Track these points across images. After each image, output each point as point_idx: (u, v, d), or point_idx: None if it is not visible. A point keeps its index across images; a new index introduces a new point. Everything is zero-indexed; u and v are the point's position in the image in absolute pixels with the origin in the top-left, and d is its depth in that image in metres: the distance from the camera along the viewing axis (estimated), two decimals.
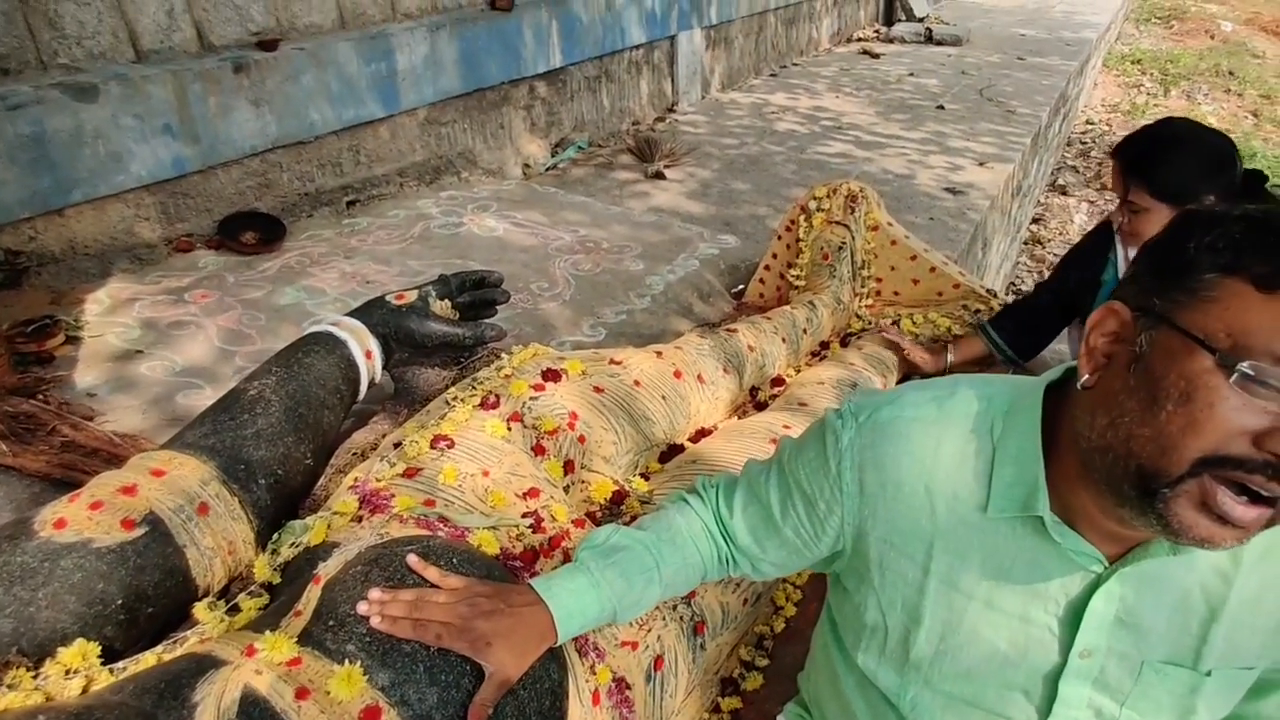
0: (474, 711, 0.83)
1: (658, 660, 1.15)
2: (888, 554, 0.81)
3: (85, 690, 0.79)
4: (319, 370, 1.26)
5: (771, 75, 5.28)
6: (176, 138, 2.15)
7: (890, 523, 0.80)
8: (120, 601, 0.88)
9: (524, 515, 1.13)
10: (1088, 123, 7.13)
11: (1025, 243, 4.91)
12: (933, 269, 2.20)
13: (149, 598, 0.91)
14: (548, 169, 3.39)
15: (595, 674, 1.06)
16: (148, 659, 0.86)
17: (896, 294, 2.26)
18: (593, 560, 0.93)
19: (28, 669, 0.76)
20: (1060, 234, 5.02)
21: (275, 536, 1.07)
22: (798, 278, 2.23)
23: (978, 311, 2.11)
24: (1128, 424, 0.62)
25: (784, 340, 1.95)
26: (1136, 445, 0.61)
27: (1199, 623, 0.73)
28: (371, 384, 1.43)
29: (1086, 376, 0.67)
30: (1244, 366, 0.56)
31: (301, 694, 0.78)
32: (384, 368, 1.47)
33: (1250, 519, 0.59)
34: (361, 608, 0.87)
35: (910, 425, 0.79)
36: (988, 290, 2.17)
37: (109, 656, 0.85)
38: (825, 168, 3.52)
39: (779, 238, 2.32)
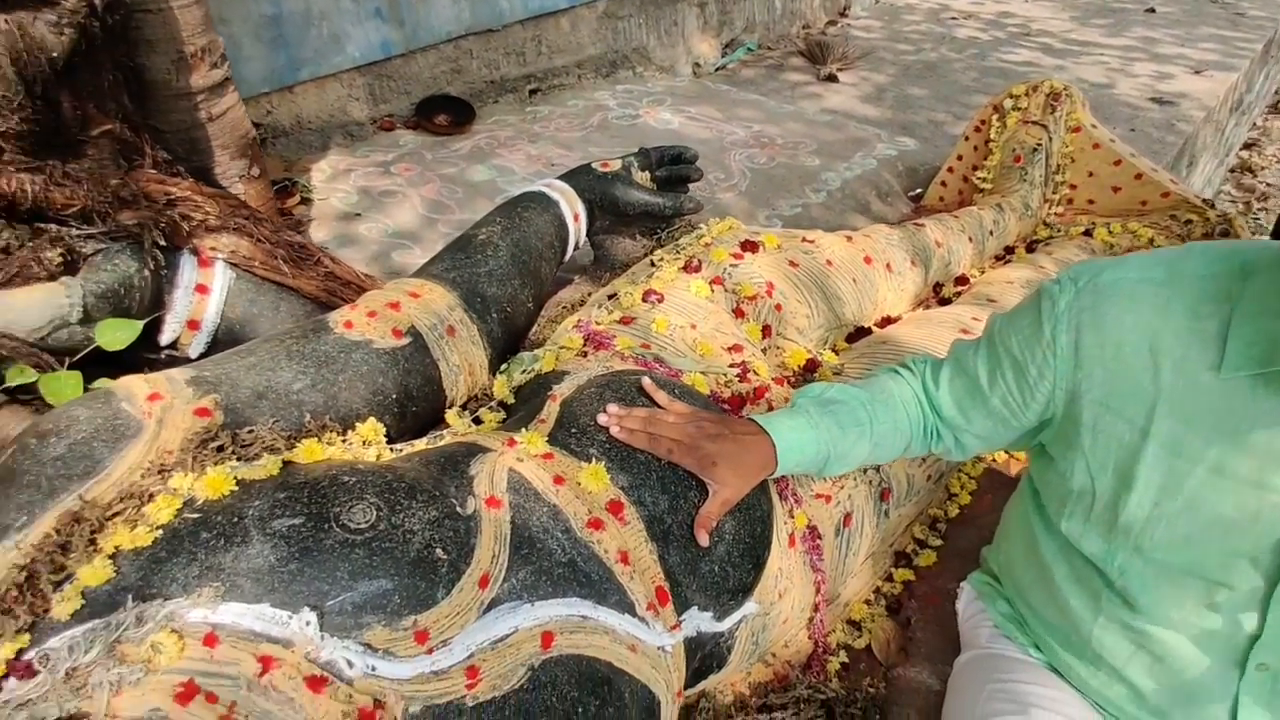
0: (701, 520, 0.91)
1: (847, 517, 1.20)
2: (1103, 417, 0.79)
3: (378, 459, 0.92)
4: (536, 224, 1.35)
5: None
6: (386, 21, 2.28)
7: (1108, 385, 0.78)
8: (394, 396, 1.00)
9: (730, 366, 1.19)
10: None
11: (1232, 170, 4.43)
12: (1139, 175, 2.05)
13: (414, 398, 1.04)
14: (717, 69, 3.35)
15: (793, 518, 1.12)
16: (419, 444, 0.98)
17: (1091, 202, 2.13)
18: (811, 405, 0.98)
19: (338, 434, 0.90)
20: (1277, 161, 4.48)
21: (505, 365, 1.18)
22: (984, 180, 2.14)
23: (1188, 222, 1.96)
24: None
25: (970, 240, 1.89)
26: None
27: None
28: (576, 247, 1.51)
29: None
30: None
31: (558, 480, 0.88)
32: (586, 234, 1.55)
33: None
34: (601, 419, 0.96)
35: (1136, 286, 0.77)
36: (1204, 200, 2.00)
37: (387, 441, 0.99)
38: (1010, 75, 3.30)
39: (966, 139, 2.22)
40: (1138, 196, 2.06)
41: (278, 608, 0.70)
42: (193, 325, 1.16)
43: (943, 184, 2.29)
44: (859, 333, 1.55)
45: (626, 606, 0.83)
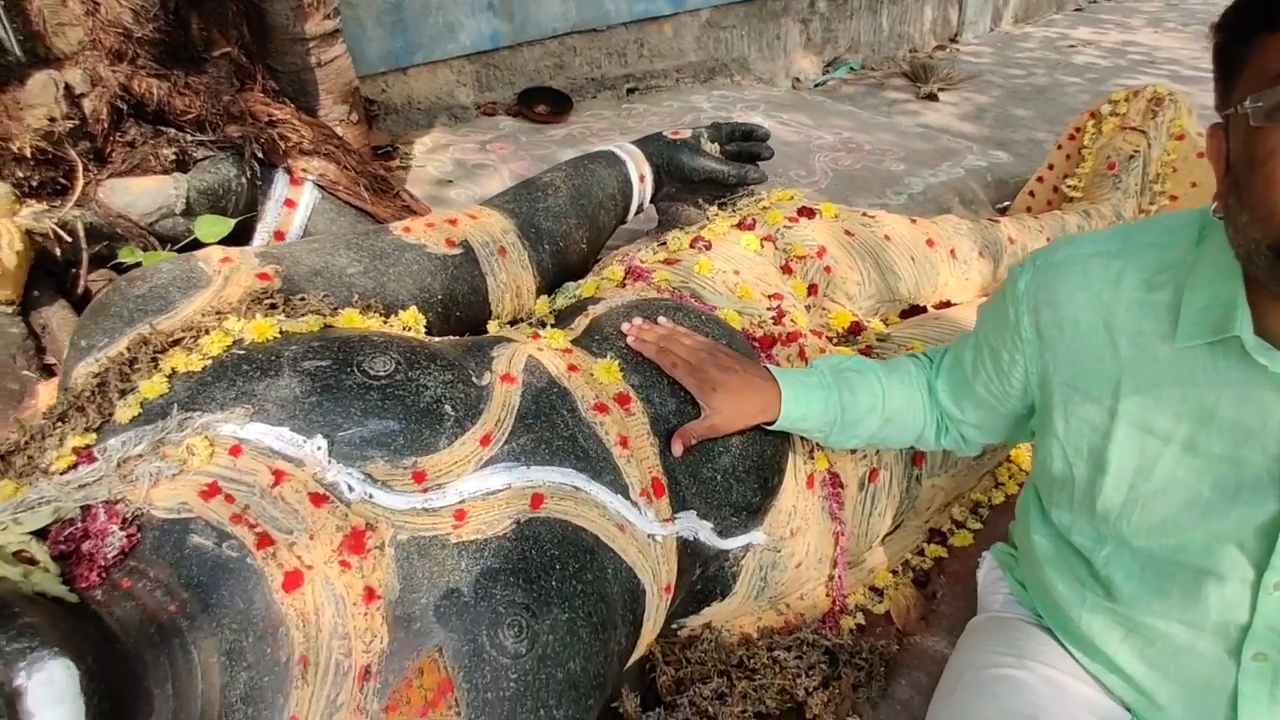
0: (681, 431, 0.93)
1: (873, 473, 1.19)
2: (1071, 398, 0.77)
3: None
4: (600, 175, 1.42)
5: (1076, 10, 4.78)
6: (497, 15, 2.45)
7: (1072, 364, 0.77)
8: (440, 297, 1.08)
9: (767, 310, 1.21)
10: None
11: None
12: None
13: (459, 303, 1.11)
14: (816, 85, 3.39)
15: (813, 459, 1.13)
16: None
17: None
18: (826, 368, 0.99)
19: (380, 315, 0.99)
20: None
21: (551, 294, 1.25)
22: (1074, 188, 2.07)
23: None
24: (1243, 220, 0.59)
25: (1049, 241, 1.84)
26: (1254, 230, 0.58)
27: None
28: (640, 209, 1.57)
29: (1215, 205, 0.64)
30: (1248, 104, 0.56)
31: (572, 369, 0.93)
32: (651, 199, 1.61)
33: None
34: (624, 327, 1.01)
35: (1088, 261, 0.75)
36: None
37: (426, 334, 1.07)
38: None
39: (1059, 147, 2.16)
40: None
41: (296, 432, 0.77)
42: (279, 236, 1.29)
43: (1031, 194, 2.23)
44: (913, 311, 1.53)
45: (620, 488, 0.87)
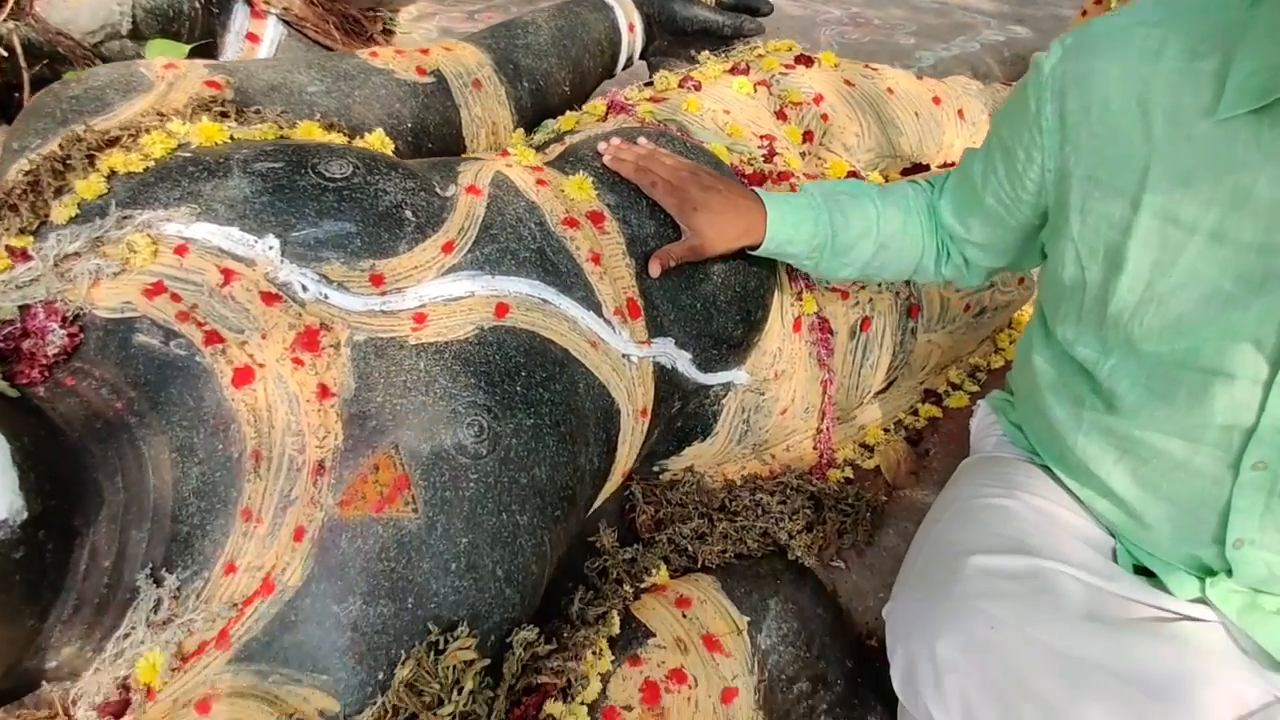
0: (659, 253, 0.88)
1: (865, 321, 1.15)
2: (1091, 194, 0.72)
3: None
4: (586, 19, 1.33)
5: None
6: None
7: (1096, 153, 0.71)
8: (409, 125, 1.02)
9: (759, 148, 1.14)
10: None
11: None
12: None
13: (430, 134, 1.05)
14: None
15: (801, 301, 1.08)
16: None
17: None
18: (816, 190, 0.94)
19: (345, 135, 0.93)
20: None
21: (531, 133, 1.19)
22: None
23: None
24: None
25: None
26: None
27: None
28: (629, 62, 1.49)
29: None
30: None
31: (541, 183, 0.88)
32: (641, 54, 1.52)
33: None
34: (601, 146, 0.95)
35: (1126, 31, 0.68)
36: None
37: None
38: None
39: (1083, 14, 2.03)
40: None
41: (246, 231, 0.73)
42: None
43: None
44: (915, 170, 1.46)
45: (592, 305, 0.83)
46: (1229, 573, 0.76)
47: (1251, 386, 0.67)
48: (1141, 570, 0.83)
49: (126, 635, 0.64)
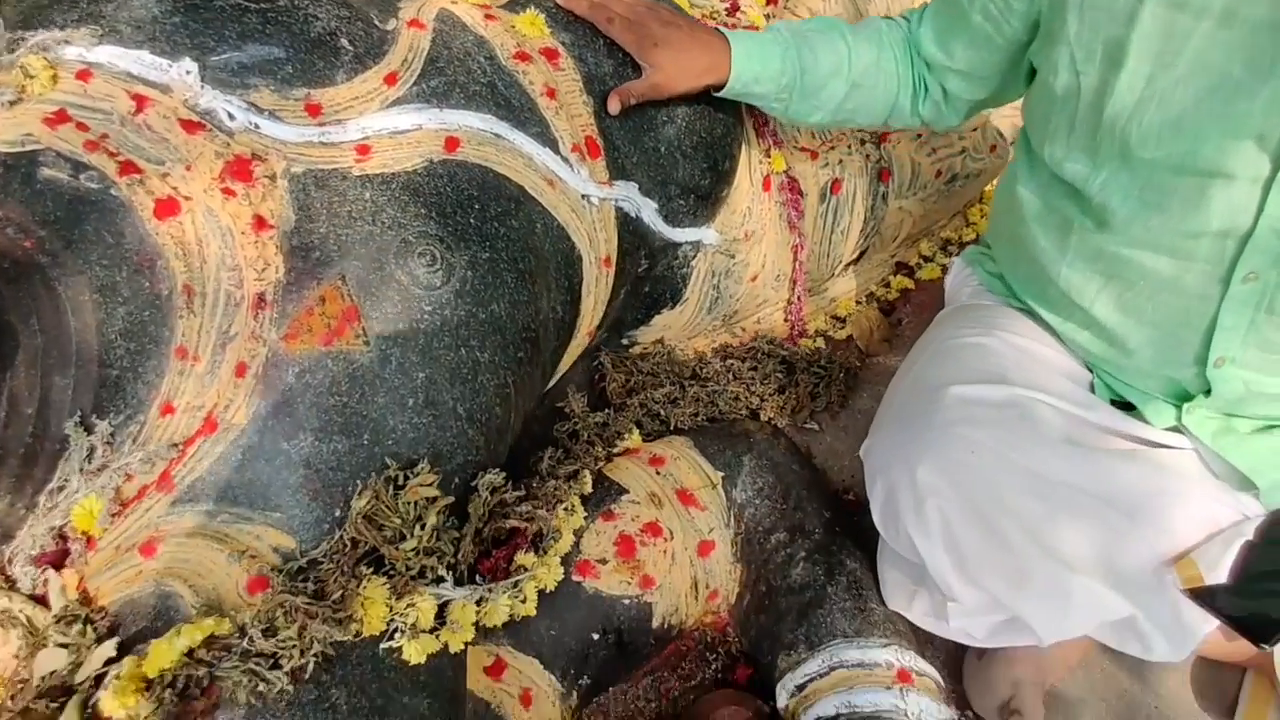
0: (620, 90, 0.82)
1: (835, 183, 1.11)
2: None
3: None
4: None
5: None
6: None
7: None
8: None
9: (721, 1, 1.08)
10: None
11: None
12: None
13: None
14: None
15: (769, 159, 1.04)
16: None
17: None
18: (784, 27, 0.88)
19: None
20: None
21: None
22: None
23: None
24: None
25: None
26: None
27: None
28: None
29: None
30: None
31: (489, 18, 0.81)
32: None
33: None
34: None
35: None
36: None
37: None
38: None
39: None
40: None
41: (157, 55, 0.66)
42: None
43: None
44: None
45: (549, 141, 0.77)
46: (1207, 393, 0.75)
47: (1250, 187, 0.64)
48: (1118, 404, 0.83)
49: (61, 488, 0.60)
